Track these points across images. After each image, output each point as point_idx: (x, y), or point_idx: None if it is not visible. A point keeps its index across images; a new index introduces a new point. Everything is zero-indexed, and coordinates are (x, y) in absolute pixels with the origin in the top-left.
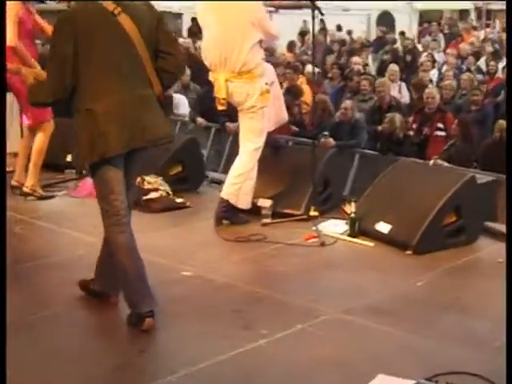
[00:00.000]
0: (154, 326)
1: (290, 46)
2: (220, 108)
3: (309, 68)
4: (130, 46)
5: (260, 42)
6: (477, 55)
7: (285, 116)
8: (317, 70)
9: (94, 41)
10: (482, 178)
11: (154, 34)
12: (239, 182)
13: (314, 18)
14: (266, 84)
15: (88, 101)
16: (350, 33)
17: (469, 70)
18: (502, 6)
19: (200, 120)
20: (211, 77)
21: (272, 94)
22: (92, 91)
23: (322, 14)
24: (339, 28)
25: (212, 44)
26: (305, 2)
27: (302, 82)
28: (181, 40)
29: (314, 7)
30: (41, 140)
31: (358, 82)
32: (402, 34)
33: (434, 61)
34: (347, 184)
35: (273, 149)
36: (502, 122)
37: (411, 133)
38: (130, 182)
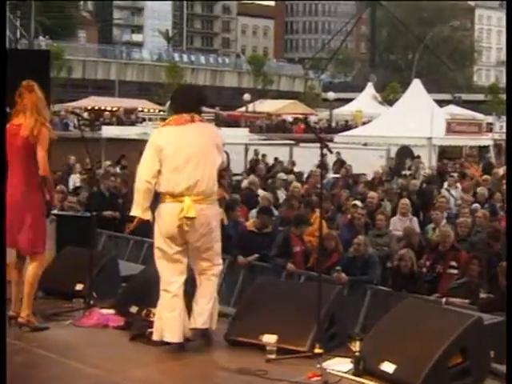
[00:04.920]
0: None
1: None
2: (186, 229)
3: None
4: None
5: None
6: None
7: None
8: None
9: None
10: (491, 318)
11: None
12: (210, 307)
13: (322, 155)
14: None
15: None
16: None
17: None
18: None
19: None
20: (171, 201)
21: None
22: None
23: (331, 153)
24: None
25: (179, 168)
26: (313, 137)
27: (316, 216)
28: None
29: (323, 145)
30: (33, 272)
31: (371, 218)
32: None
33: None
34: (358, 321)
35: (278, 283)
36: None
37: (424, 270)
38: None
